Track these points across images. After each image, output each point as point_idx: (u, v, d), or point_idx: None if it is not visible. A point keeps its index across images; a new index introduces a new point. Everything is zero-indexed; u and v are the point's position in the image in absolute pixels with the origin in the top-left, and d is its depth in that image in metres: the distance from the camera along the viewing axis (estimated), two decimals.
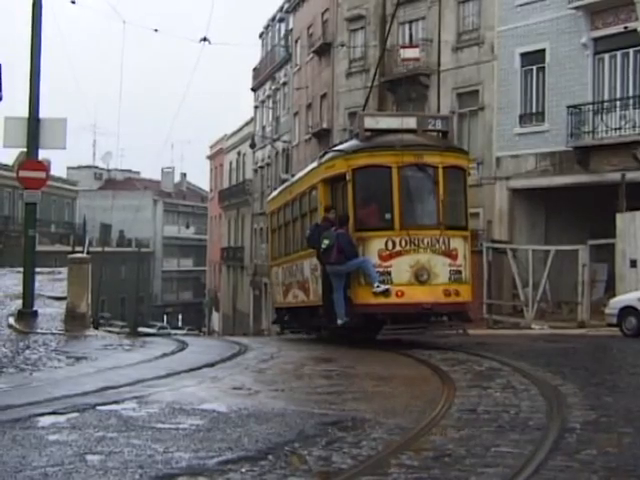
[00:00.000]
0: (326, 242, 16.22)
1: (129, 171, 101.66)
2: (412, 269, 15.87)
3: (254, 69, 66.75)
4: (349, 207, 16.50)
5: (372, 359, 14.61)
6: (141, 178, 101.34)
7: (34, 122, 19.76)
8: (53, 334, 17.72)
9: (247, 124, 67.87)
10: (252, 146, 58.39)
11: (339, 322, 16.40)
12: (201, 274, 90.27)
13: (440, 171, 16.40)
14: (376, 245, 16.06)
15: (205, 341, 26.43)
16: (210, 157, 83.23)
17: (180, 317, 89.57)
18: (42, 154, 21.93)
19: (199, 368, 12.35)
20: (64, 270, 27.78)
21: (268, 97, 60.86)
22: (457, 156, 17.29)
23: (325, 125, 43.49)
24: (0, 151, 67.73)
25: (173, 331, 62.20)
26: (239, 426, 7.49)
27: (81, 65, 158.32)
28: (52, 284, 29.68)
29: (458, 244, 16.49)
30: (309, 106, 47.85)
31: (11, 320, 19.70)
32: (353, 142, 17.71)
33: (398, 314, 16.03)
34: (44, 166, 21.15)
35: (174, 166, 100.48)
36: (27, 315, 19.95)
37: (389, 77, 36.73)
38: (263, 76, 62.20)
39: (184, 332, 62.04)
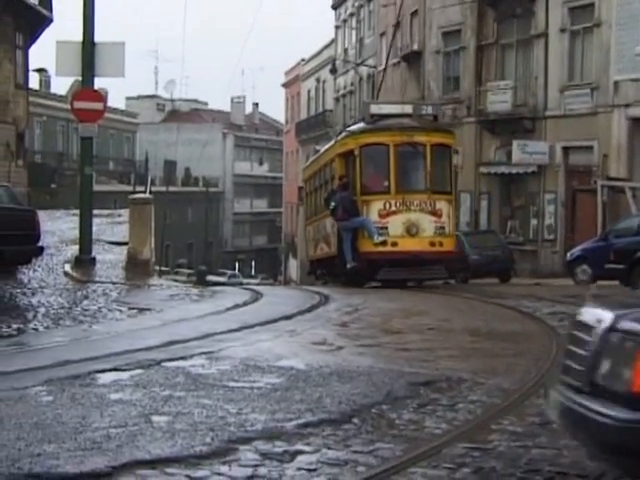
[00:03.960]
0: (332, 204, 23.05)
1: (195, 101, 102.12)
2: (404, 225, 22.24)
3: None
4: (357, 176, 22.94)
5: (471, 312, 14.58)
6: (208, 109, 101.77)
7: (89, 47, 19.93)
8: (113, 283, 18.05)
9: (327, 47, 67.49)
10: (333, 72, 58.09)
11: (348, 266, 22.60)
12: (276, 216, 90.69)
13: (428, 148, 22.81)
14: (376, 206, 22.45)
15: (281, 291, 26.67)
16: (285, 85, 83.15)
17: (253, 264, 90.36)
18: (98, 83, 22.17)
19: (275, 321, 12.47)
20: (124, 212, 28.23)
21: (351, 15, 60.34)
22: (443, 136, 23.87)
23: (416, 47, 42.97)
24: (52, 80, 68.40)
25: (245, 280, 63.01)
26: (320, 385, 7.55)
27: None
28: (111, 228, 30.18)
29: (442, 205, 22.82)
30: (397, 25, 47.32)
31: (67, 267, 20.10)
32: (361, 125, 24.94)
33: (393, 259, 22.14)
34: (101, 96, 21.38)
35: (245, 95, 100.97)
36: (84, 262, 20.33)
37: None
38: None
39: (257, 281, 62.78)
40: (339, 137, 25.56)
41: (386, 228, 22.20)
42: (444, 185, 23.60)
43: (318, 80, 70.12)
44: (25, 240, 17.37)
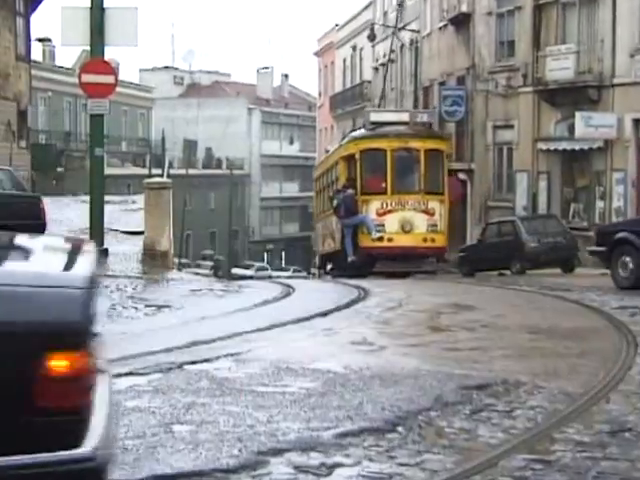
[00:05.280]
0: (335, 202, 29.02)
1: (217, 73, 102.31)
2: (399, 222, 28.28)
3: None
4: (357, 178, 29.10)
5: (528, 307, 14.55)
6: (232, 82, 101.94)
7: (98, 13, 19.96)
8: (128, 277, 18.15)
9: (364, 10, 67.40)
10: (371, 38, 58.00)
11: (349, 259, 28.39)
12: (309, 202, 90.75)
13: (422, 153, 29.24)
14: (375, 205, 28.53)
15: (315, 284, 26.73)
16: (318, 53, 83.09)
17: (283, 255, 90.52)
18: (109, 53, 22.22)
19: (309, 318, 12.52)
20: (140, 198, 28.33)
21: None
22: (436, 142, 30.90)
23: (464, 8, 42.78)
24: (58, 51, 68.80)
25: (275, 272, 63.10)
26: (361, 390, 7.57)
27: None
28: (126, 216, 30.33)
29: (435, 205, 29.07)
30: None
31: None
32: (362, 131, 32.47)
33: (389, 254, 28.09)
34: (112, 68, 21.44)
35: (273, 66, 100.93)
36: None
37: None
38: None
39: (289, 274, 62.82)
40: (343, 142, 33.33)
41: (383, 225, 28.26)
42: (436, 186, 29.83)
43: (354, 48, 70.02)
44: (29, 230, 17.37)
